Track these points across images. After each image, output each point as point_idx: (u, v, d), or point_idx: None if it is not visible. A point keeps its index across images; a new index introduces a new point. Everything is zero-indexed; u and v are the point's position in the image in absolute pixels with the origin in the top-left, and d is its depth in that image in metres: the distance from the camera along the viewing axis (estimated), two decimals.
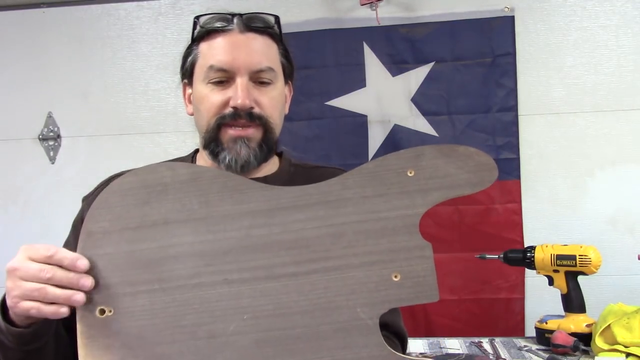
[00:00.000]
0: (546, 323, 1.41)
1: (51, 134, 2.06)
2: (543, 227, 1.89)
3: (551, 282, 1.44)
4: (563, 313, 1.43)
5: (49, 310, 0.69)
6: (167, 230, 0.72)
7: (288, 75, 0.98)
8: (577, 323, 1.37)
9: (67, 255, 0.70)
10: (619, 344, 1.24)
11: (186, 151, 1.05)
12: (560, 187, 1.91)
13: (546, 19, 1.91)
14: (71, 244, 0.88)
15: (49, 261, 0.69)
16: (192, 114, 0.97)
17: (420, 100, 1.94)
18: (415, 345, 1.44)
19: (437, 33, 1.93)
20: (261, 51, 0.91)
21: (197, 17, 0.93)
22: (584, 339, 1.32)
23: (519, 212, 1.90)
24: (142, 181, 0.73)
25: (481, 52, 1.91)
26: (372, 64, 1.96)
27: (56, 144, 2.07)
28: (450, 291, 1.89)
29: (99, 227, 0.72)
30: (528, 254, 1.46)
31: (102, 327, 0.70)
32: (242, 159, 0.89)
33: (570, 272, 1.41)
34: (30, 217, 2.07)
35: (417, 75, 1.94)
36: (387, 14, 1.93)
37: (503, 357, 1.33)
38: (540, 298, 1.82)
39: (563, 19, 1.91)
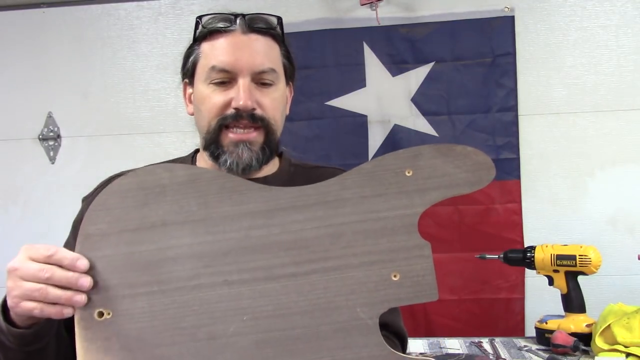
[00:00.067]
0: (546, 323, 1.41)
1: (51, 134, 2.07)
2: (543, 227, 1.89)
3: (551, 282, 1.44)
4: (563, 313, 1.43)
5: (52, 311, 0.69)
6: (166, 232, 0.72)
7: (289, 76, 0.98)
8: (577, 323, 1.37)
9: (67, 255, 0.70)
10: (619, 344, 1.24)
11: (186, 151, 1.05)
12: (560, 187, 1.91)
13: (546, 19, 1.91)
14: (71, 244, 0.87)
15: (48, 261, 0.69)
16: (192, 114, 0.96)
17: (420, 100, 1.94)
18: (415, 345, 1.44)
19: (437, 33, 1.93)
20: (263, 52, 0.91)
21: (200, 17, 0.93)
22: (584, 339, 1.32)
23: (519, 212, 1.90)
24: (140, 183, 0.73)
25: (481, 52, 1.91)
26: (372, 64, 1.96)
27: (56, 144, 2.07)
28: (450, 291, 1.89)
29: (97, 229, 0.72)
30: (528, 254, 1.46)
31: (100, 329, 0.70)
32: (243, 162, 0.89)
33: (570, 272, 1.41)
34: (30, 217, 2.07)
35: (417, 75, 1.94)
36: (387, 14, 1.93)
37: (503, 357, 1.33)
38: (540, 298, 1.82)
39: (563, 19, 1.91)
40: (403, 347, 0.98)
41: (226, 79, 0.89)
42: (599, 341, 1.27)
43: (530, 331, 1.63)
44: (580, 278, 1.42)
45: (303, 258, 0.71)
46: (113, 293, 0.70)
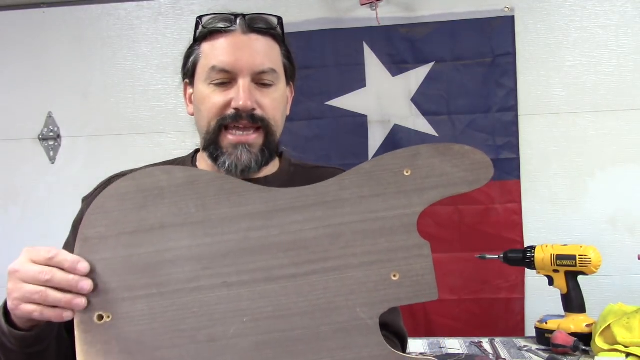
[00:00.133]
0: (546, 323, 1.41)
1: (51, 134, 2.07)
2: (543, 227, 1.88)
3: (551, 282, 1.44)
4: (563, 313, 1.43)
5: (51, 314, 0.69)
6: (164, 235, 0.72)
7: (290, 77, 0.98)
8: (577, 323, 1.37)
9: (68, 258, 0.70)
10: (619, 344, 1.24)
11: (186, 151, 1.05)
12: (560, 187, 1.91)
13: (546, 19, 1.91)
14: (71, 244, 0.87)
15: (49, 263, 0.69)
16: (192, 114, 0.96)
17: (420, 100, 1.94)
18: (415, 345, 1.44)
19: (437, 33, 1.93)
20: (264, 52, 0.90)
21: (200, 17, 0.93)
22: (584, 339, 1.32)
23: (519, 212, 1.89)
24: (138, 185, 0.73)
25: (481, 52, 1.91)
26: (372, 64, 1.96)
27: (56, 144, 2.07)
28: (450, 291, 1.89)
29: (96, 232, 0.71)
30: (528, 254, 1.46)
31: (100, 333, 0.70)
32: (242, 163, 0.89)
33: (570, 272, 1.41)
34: (30, 217, 2.07)
35: (417, 75, 1.94)
36: (387, 14, 1.93)
37: (503, 357, 1.33)
38: (540, 298, 1.82)
39: (563, 19, 1.91)
40: (403, 347, 0.98)
41: (226, 79, 0.89)
42: (599, 341, 1.27)
43: (530, 331, 1.63)
44: (580, 278, 1.42)
45: (302, 259, 0.71)
46: (112, 296, 0.70)
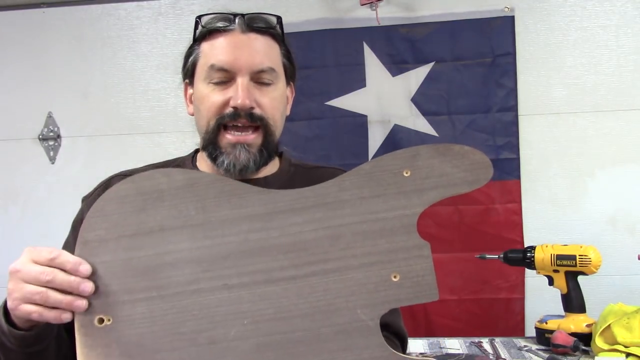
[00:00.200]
0: (546, 323, 1.41)
1: (51, 134, 2.06)
2: (543, 227, 1.88)
3: (551, 282, 1.44)
4: (563, 313, 1.43)
5: (51, 316, 0.69)
6: (164, 237, 0.72)
7: (290, 76, 0.98)
8: (577, 323, 1.37)
9: (70, 259, 0.69)
10: (619, 344, 1.24)
11: (186, 151, 1.05)
12: (560, 187, 1.91)
13: (546, 19, 1.91)
14: (71, 244, 0.88)
15: (51, 264, 0.69)
16: (193, 114, 0.96)
17: (420, 100, 1.94)
18: (415, 345, 1.44)
19: (437, 33, 1.93)
20: (263, 51, 0.90)
21: (199, 17, 0.93)
22: (584, 339, 1.32)
23: (519, 212, 1.89)
24: (138, 188, 0.73)
25: (481, 52, 1.91)
26: (372, 64, 1.95)
27: (56, 144, 2.07)
28: (450, 291, 1.89)
29: (95, 235, 0.71)
30: (528, 254, 1.46)
31: (101, 336, 0.70)
32: (241, 163, 0.89)
33: (570, 272, 1.41)
34: (30, 217, 2.07)
35: (417, 75, 1.94)
36: (387, 14, 1.93)
37: (503, 357, 1.33)
38: (540, 298, 1.82)
39: (563, 19, 1.90)
40: (403, 348, 0.98)
41: (225, 78, 0.89)
42: (599, 341, 1.27)
43: (530, 331, 1.63)
44: (580, 278, 1.42)
45: (302, 260, 0.71)
46: (113, 299, 0.70)
